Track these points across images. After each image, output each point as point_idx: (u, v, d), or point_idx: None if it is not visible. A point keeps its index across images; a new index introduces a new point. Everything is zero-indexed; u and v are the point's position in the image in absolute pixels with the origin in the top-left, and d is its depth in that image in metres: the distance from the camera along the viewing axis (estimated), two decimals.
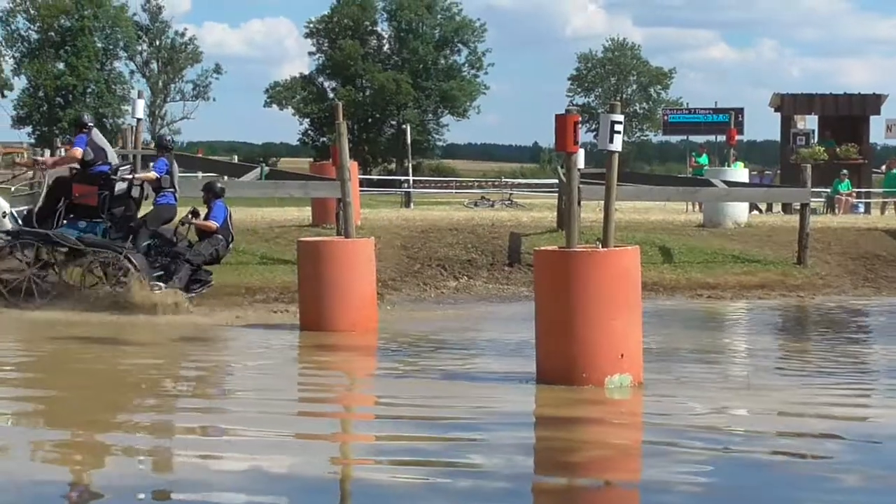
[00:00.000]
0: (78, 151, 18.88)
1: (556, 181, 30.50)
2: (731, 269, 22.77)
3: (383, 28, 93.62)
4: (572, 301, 11.85)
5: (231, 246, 19.44)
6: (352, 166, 19.77)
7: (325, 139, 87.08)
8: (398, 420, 11.05)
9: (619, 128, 12.63)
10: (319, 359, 15.37)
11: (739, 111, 50.64)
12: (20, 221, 19.03)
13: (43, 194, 19.49)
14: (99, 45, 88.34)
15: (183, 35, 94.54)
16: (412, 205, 39.24)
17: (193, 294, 18.90)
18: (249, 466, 9.01)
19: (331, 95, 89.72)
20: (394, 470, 8.98)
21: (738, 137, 43.19)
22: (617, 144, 12.62)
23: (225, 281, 20.16)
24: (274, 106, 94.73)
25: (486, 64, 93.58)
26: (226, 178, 31.83)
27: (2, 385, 13.05)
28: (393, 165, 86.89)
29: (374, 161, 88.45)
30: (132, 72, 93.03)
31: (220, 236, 19.05)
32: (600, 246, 12.44)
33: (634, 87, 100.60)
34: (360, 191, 27.89)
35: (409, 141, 51.08)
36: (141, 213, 19.42)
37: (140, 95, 31.43)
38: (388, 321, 17.65)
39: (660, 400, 11.79)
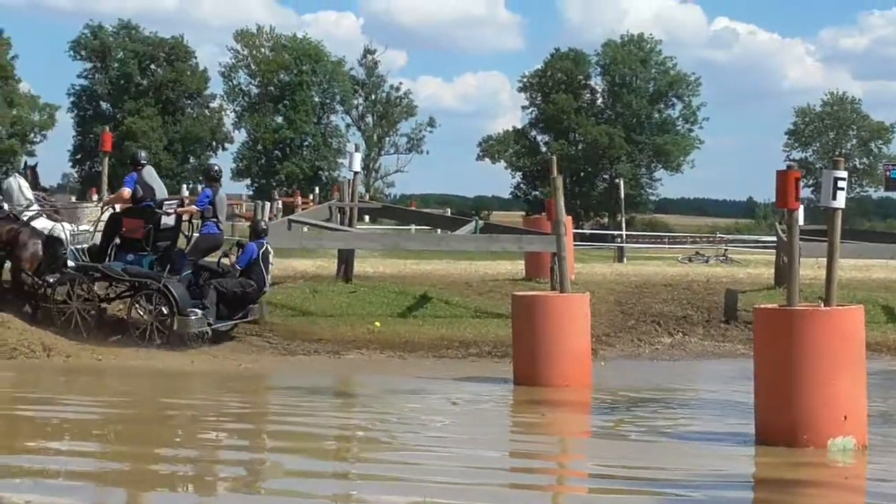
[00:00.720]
0: (126, 192, 19.60)
1: (773, 237, 29.99)
2: None
3: (596, 82, 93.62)
4: (794, 360, 11.60)
5: (266, 290, 19.74)
6: (566, 221, 19.72)
7: (536, 192, 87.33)
8: (613, 492, 10.55)
9: (842, 184, 12.37)
10: (532, 419, 15.05)
11: None
12: (82, 257, 19.65)
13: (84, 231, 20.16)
14: (316, 99, 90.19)
15: (398, 89, 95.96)
16: (625, 259, 39.03)
17: (233, 322, 19.49)
18: None
19: (543, 149, 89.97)
20: None
21: None
22: (840, 201, 12.35)
23: (439, 334, 20.27)
24: (486, 159, 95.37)
25: (700, 118, 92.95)
26: (438, 230, 32.16)
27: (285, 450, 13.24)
28: (605, 219, 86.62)
29: (586, 215, 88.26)
30: (348, 125, 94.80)
31: (250, 280, 19.36)
32: (822, 304, 12.17)
33: (854, 141, 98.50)
34: (573, 245, 27.79)
35: (622, 195, 50.87)
36: None
37: (357, 149, 31.87)
38: (602, 377, 17.47)
39: (885, 465, 11.41)
